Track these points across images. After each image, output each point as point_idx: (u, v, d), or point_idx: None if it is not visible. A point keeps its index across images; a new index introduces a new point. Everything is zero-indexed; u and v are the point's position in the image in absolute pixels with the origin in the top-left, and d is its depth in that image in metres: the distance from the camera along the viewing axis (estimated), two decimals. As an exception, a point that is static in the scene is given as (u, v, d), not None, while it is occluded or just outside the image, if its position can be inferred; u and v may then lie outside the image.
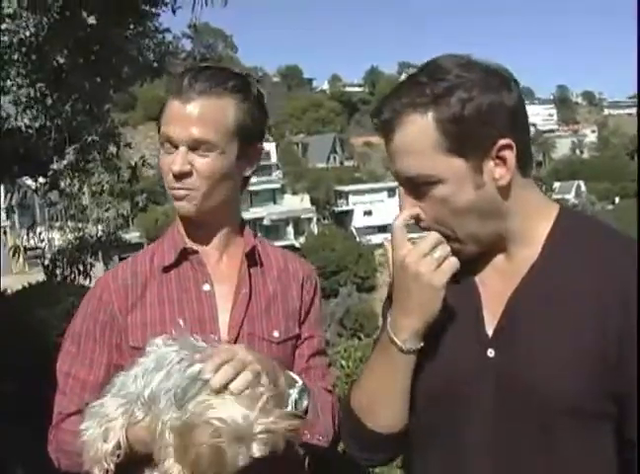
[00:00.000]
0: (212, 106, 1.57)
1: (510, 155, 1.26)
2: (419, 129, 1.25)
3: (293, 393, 1.49)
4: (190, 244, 1.67)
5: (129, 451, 1.40)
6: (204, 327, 1.59)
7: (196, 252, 1.66)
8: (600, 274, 1.25)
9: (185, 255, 1.66)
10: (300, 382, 1.53)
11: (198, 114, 1.56)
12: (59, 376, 1.63)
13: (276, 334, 1.66)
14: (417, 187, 1.29)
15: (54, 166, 6.25)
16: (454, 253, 1.31)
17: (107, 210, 7.80)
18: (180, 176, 1.58)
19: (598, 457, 1.26)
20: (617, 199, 64.10)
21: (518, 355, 1.28)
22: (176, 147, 1.58)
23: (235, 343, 1.59)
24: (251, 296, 1.66)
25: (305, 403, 1.52)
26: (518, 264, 1.33)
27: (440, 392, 1.37)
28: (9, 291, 8.39)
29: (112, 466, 1.38)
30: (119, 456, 1.39)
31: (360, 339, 9.41)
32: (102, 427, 1.39)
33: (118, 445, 1.39)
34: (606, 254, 1.28)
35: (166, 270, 1.66)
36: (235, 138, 1.60)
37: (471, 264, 1.38)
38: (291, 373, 1.55)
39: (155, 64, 7.02)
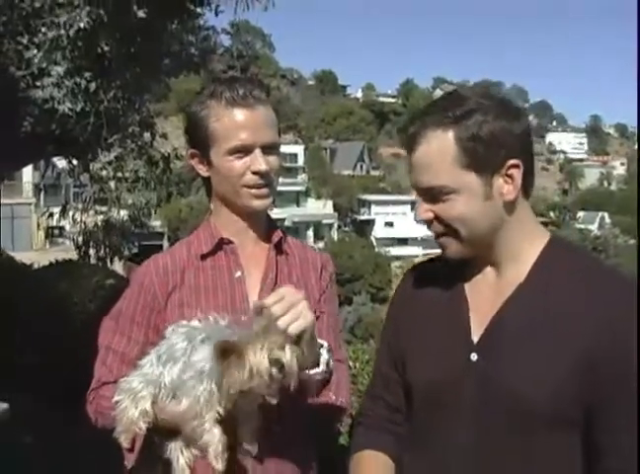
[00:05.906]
0: (268, 110, 1.83)
1: (517, 174, 1.45)
2: (441, 144, 1.45)
3: (324, 353, 1.68)
4: (226, 235, 1.88)
5: (153, 424, 1.62)
6: (236, 308, 1.79)
7: (231, 242, 1.87)
8: (583, 298, 1.40)
9: (220, 245, 1.87)
10: (326, 343, 1.71)
11: (264, 118, 1.80)
12: (101, 349, 1.86)
13: None
14: (433, 195, 1.48)
15: (101, 158, 6.45)
16: (452, 249, 1.51)
17: (144, 198, 8.01)
18: (263, 175, 1.79)
19: (568, 461, 1.39)
20: (641, 235, 63.16)
21: (500, 362, 1.43)
22: (248, 152, 1.78)
23: None
24: (277, 281, 1.86)
25: (332, 364, 1.72)
26: (506, 280, 1.50)
27: (425, 392, 1.54)
28: (36, 266, 8.65)
29: (143, 428, 1.60)
30: (147, 424, 1.61)
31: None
32: (129, 398, 1.62)
33: (144, 413, 1.60)
34: (591, 280, 1.42)
35: (203, 257, 1.87)
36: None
37: (463, 273, 1.56)
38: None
39: (196, 59, 7.21)
